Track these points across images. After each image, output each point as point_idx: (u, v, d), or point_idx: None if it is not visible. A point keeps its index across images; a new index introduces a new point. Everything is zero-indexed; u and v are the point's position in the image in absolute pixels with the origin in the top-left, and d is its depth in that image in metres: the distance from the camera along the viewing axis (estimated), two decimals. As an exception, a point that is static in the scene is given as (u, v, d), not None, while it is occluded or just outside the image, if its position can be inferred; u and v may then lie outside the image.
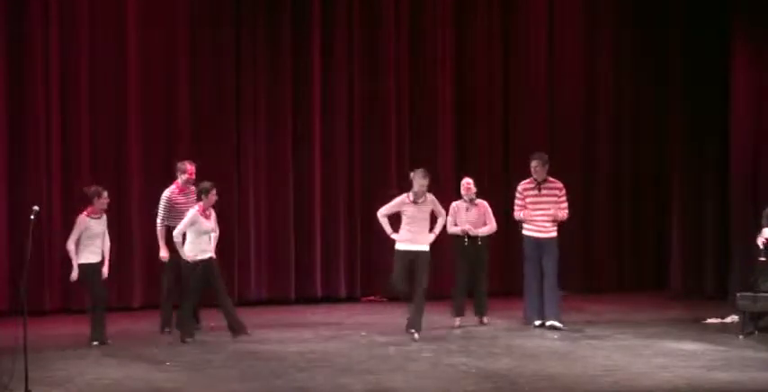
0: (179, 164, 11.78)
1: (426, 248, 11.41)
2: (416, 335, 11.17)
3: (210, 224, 11.18)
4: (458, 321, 12.15)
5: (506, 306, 12.85)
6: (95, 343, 10.85)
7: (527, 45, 15.47)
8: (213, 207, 11.27)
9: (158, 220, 11.62)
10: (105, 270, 11.05)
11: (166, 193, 11.64)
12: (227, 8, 14.19)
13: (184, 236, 11.08)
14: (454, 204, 12.30)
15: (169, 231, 11.42)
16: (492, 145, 15.29)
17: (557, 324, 11.75)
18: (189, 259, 11.03)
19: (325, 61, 14.59)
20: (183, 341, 11.01)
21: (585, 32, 15.70)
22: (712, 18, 14.31)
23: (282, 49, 14.40)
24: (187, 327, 11.12)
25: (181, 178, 11.67)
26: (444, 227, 11.71)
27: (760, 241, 11.36)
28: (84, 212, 10.94)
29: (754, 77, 13.91)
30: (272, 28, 14.35)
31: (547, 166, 11.97)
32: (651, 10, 15.59)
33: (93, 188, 11.15)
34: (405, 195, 11.53)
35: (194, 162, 11.87)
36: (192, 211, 11.09)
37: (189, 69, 14.01)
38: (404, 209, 11.47)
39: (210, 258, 11.18)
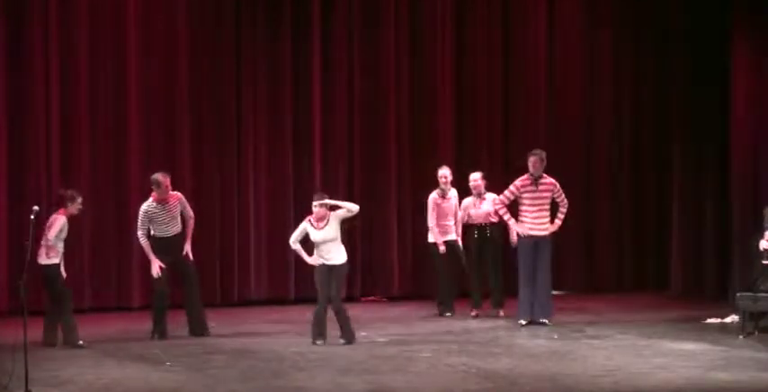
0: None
1: None
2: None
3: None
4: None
5: (507, 305, 12.84)
6: (80, 342, 10.73)
7: (527, 45, 15.46)
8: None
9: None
10: (63, 271, 10.99)
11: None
12: (227, 8, 14.19)
13: None
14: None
15: (154, 240, 11.34)
16: (492, 144, 15.28)
17: (544, 320, 11.92)
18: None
19: (325, 61, 14.59)
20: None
21: (585, 32, 15.69)
22: (712, 18, 14.29)
23: (282, 50, 14.40)
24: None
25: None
26: None
27: (763, 246, 11.33)
28: (63, 214, 10.86)
29: (754, 78, 13.89)
30: (272, 28, 14.35)
31: (544, 163, 11.98)
32: (651, 10, 15.59)
33: (69, 191, 11.11)
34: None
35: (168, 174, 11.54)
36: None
37: (189, 69, 14.01)
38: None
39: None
